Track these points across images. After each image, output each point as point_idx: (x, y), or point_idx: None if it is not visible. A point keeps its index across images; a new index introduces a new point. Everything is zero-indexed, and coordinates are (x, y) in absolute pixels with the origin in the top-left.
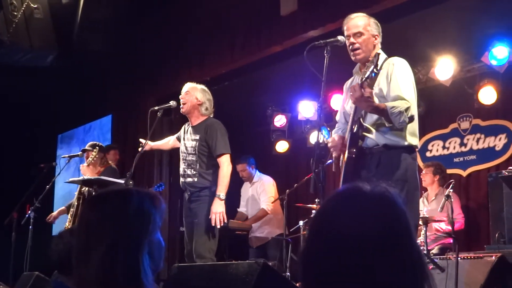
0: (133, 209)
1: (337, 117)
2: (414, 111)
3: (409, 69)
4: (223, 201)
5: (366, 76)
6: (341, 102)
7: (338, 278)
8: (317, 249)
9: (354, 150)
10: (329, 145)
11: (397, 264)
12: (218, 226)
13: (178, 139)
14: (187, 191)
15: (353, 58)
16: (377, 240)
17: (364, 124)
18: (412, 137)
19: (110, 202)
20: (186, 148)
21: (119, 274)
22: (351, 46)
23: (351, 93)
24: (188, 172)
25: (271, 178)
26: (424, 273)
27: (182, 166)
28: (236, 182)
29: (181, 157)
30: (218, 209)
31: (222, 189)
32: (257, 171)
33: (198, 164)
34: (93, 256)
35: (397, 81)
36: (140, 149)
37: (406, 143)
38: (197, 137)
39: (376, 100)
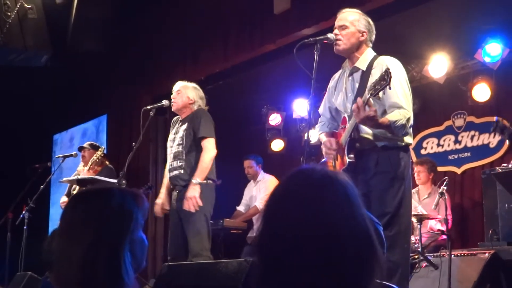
0: (115, 207)
1: (321, 110)
2: (412, 119)
3: (403, 71)
4: (198, 186)
5: (375, 92)
6: (327, 94)
7: (289, 261)
8: (266, 233)
9: (353, 155)
10: (323, 150)
11: (337, 250)
12: (193, 210)
13: None
14: (176, 188)
15: (334, 49)
16: (316, 226)
17: (362, 127)
18: (408, 137)
19: (92, 201)
20: (174, 140)
21: (100, 272)
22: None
23: (354, 112)
24: (175, 164)
25: (273, 177)
26: (373, 259)
27: (169, 161)
28: (239, 182)
29: (168, 152)
30: (192, 193)
31: (199, 174)
32: (262, 171)
33: (184, 155)
34: (74, 254)
35: (394, 87)
36: (133, 144)
37: (403, 144)
38: (184, 127)
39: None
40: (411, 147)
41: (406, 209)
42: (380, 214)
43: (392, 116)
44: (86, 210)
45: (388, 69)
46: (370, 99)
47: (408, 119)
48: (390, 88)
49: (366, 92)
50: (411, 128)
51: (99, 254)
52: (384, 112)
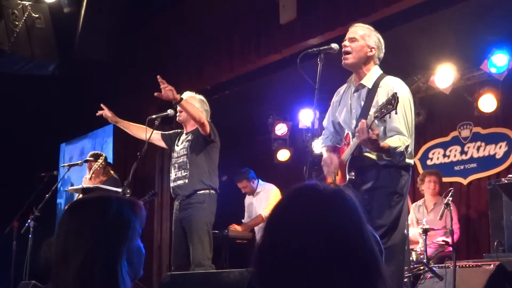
0: (112, 216)
1: (325, 123)
2: (411, 146)
3: (409, 96)
4: (177, 99)
5: (381, 115)
6: (331, 108)
7: (290, 276)
8: (269, 245)
9: (353, 173)
10: (324, 167)
11: (347, 264)
12: (170, 92)
13: (165, 140)
14: (178, 198)
15: (342, 62)
16: (326, 239)
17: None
18: (409, 159)
19: (89, 209)
20: (177, 152)
21: (96, 281)
22: (343, 49)
23: (357, 134)
24: (179, 174)
25: (274, 186)
26: (377, 274)
27: (173, 171)
28: (240, 194)
29: (172, 163)
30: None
31: (185, 101)
32: (259, 180)
33: (188, 165)
34: (71, 263)
35: (398, 112)
36: (138, 153)
37: (404, 164)
38: (190, 137)
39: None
40: (416, 158)
41: (402, 222)
42: (377, 226)
43: (393, 142)
44: (83, 218)
45: (396, 93)
46: (375, 121)
47: (407, 147)
48: (396, 113)
49: (372, 114)
50: (413, 148)
51: (96, 262)
52: (384, 131)
